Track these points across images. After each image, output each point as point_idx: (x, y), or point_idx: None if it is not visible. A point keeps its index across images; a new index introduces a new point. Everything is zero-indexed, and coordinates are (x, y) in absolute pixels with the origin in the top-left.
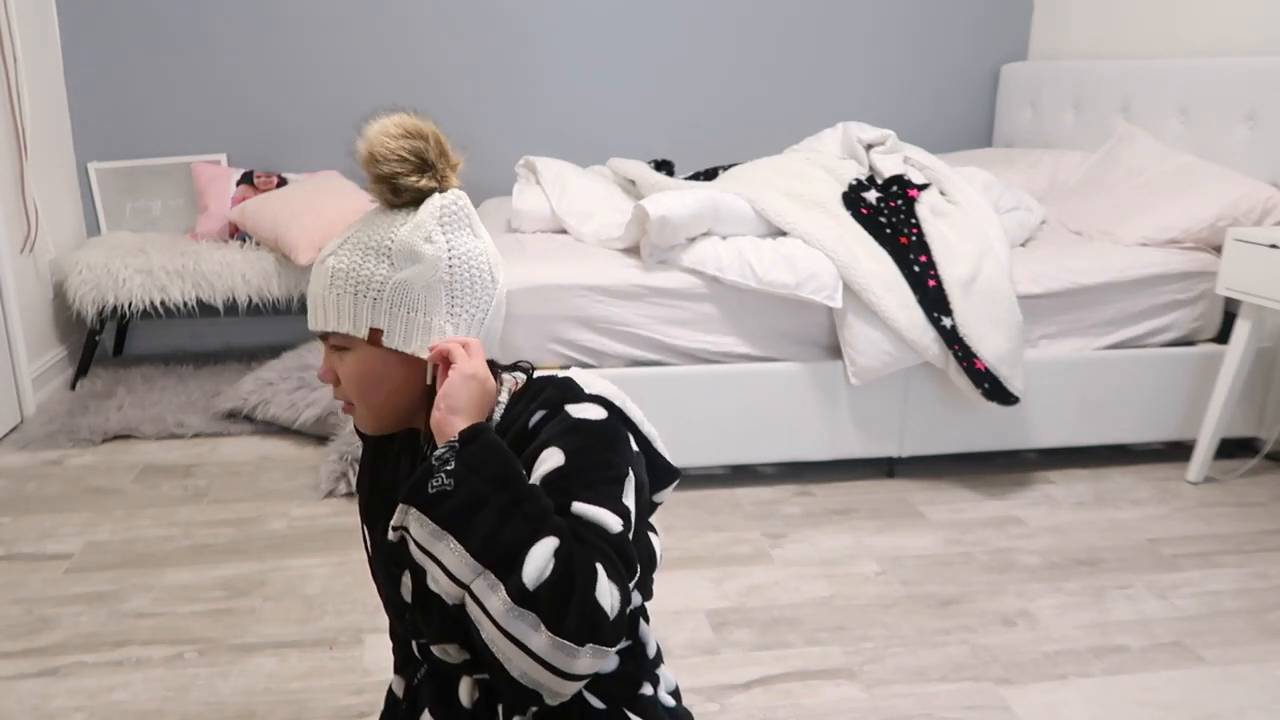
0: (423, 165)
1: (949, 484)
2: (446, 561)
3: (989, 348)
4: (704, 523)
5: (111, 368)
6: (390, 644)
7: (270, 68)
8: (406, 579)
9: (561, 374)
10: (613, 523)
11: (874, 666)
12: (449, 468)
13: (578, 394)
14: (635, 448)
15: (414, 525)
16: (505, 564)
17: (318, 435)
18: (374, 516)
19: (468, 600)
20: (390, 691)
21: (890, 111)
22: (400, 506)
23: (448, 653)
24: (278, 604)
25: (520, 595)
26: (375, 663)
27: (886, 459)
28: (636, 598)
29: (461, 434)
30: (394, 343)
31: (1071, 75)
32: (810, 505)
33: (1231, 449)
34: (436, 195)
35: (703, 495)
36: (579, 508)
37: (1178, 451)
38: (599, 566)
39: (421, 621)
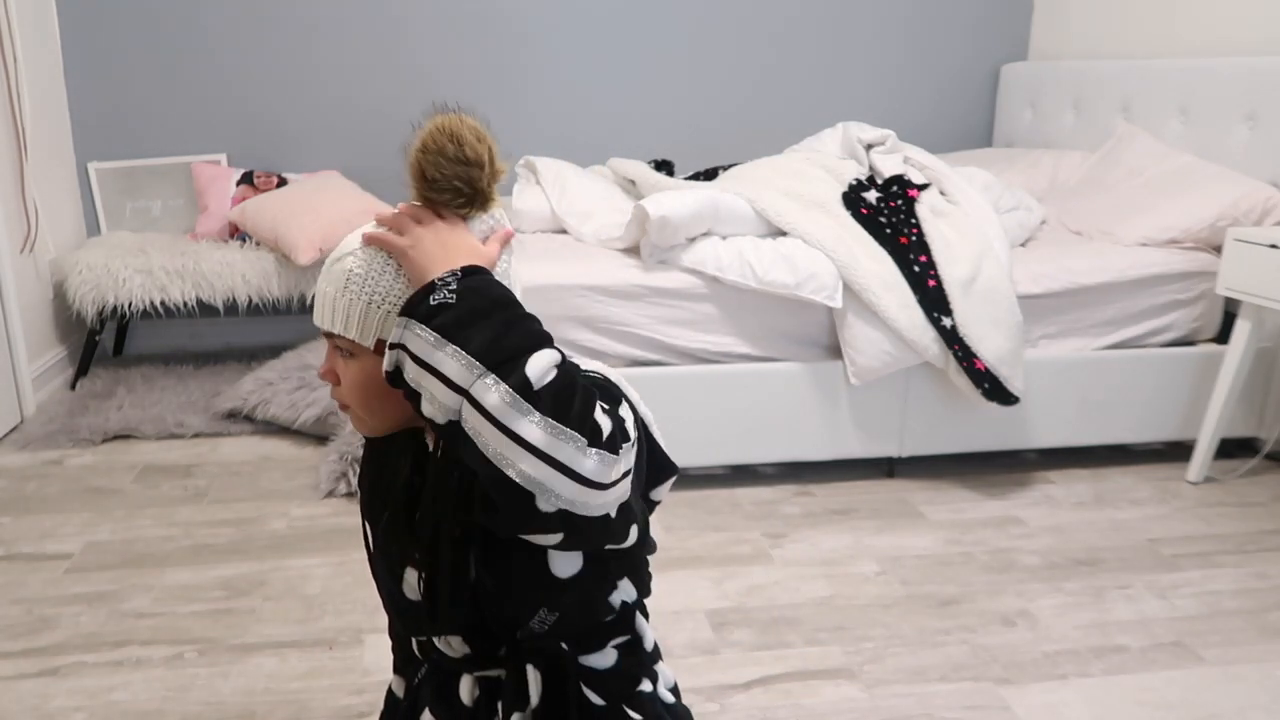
0: (474, 196)
1: (949, 484)
2: (446, 369)
3: (989, 348)
4: (704, 523)
5: (111, 368)
6: (390, 644)
7: (270, 68)
8: (409, 575)
9: None
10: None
11: (874, 666)
12: (450, 287)
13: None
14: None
15: (412, 340)
16: (507, 365)
17: (318, 435)
18: (375, 515)
19: (465, 409)
20: (390, 692)
21: (890, 111)
22: (399, 321)
23: (450, 645)
24: (278, 604)
25: (522, 388)
26: (375, 663)
27: (886, 459)
28: (633, 592)
29: (464, 267)
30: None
31: (1071, 75)
32: (810, 505)
33: (1231, 449)
34: (478, 220)
35: (703, 495)
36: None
37: (1178, 451)
38: (595, 395)
39: (426, 613)
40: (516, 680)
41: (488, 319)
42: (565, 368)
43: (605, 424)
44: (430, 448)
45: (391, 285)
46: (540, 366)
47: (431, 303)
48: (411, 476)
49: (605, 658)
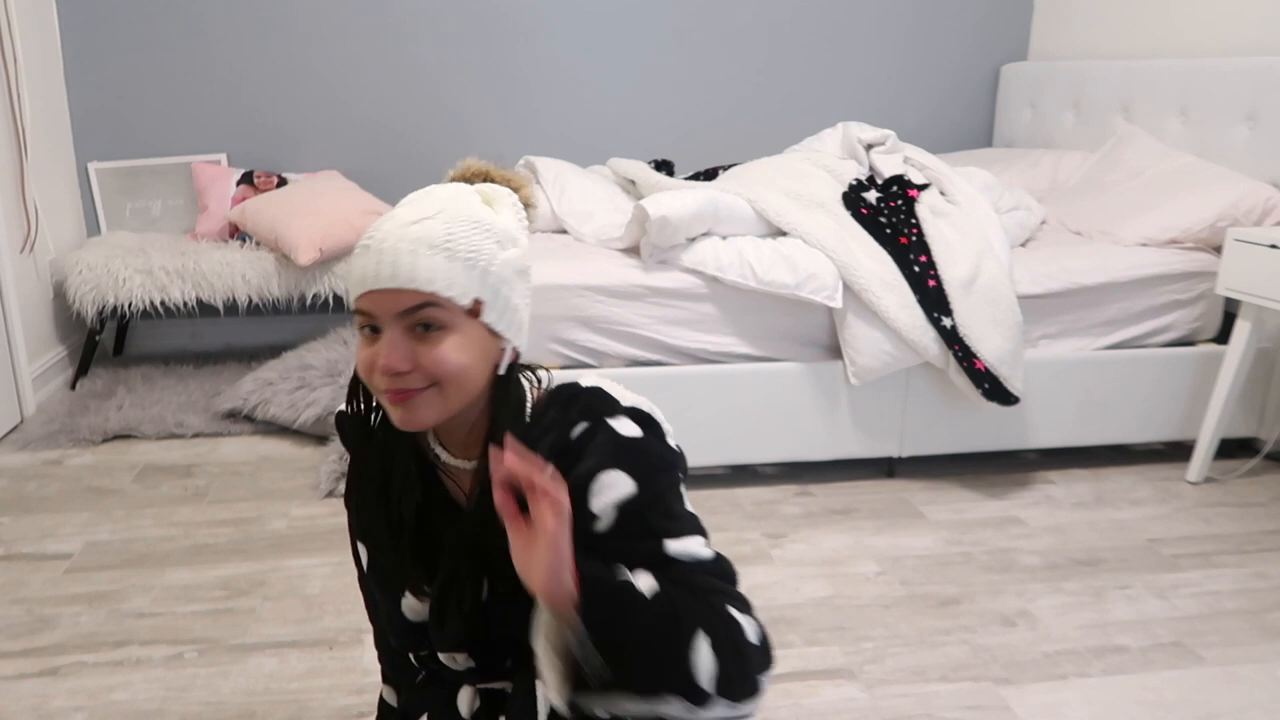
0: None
1: (949, 484)
2: (630, 710)
3: (989, 348)
4: (704, 522)
5: (111, 368)
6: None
7: (270, 68)
8: (408, 598)
9: (585, 383)
10: (703, 549)
11: (874, 666)
12: (595, 660)
13: (614, 406)
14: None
15: (596, 707)
16: (680, 687)
17: (318, 435)
18: (374, 533)
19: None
20: (382, 700)
21: (890, 111)
22: (565, 697)
23: (455, 660)
24: (278, 604)
25: (702, 699)
26: (375, 663)
27: (886, 459)
28: None
29: (581, 615)
30: (491, 318)
31: (1071, 75)
32: (810, 505)
33: (1231, 449)
34: (508, 191)
35: (703, 495)
36: (674, 548)
37: (1178, 451)
38: (730, 611)
39: (435, 635)
40: (525, 695)
41: (635, 659)
42: (715, 638)
43: (754, 631)
44: (433, 454)
45: (483, 243)
46: (706, 668)
47: (595, 681)
48: (425, 507)
49: None
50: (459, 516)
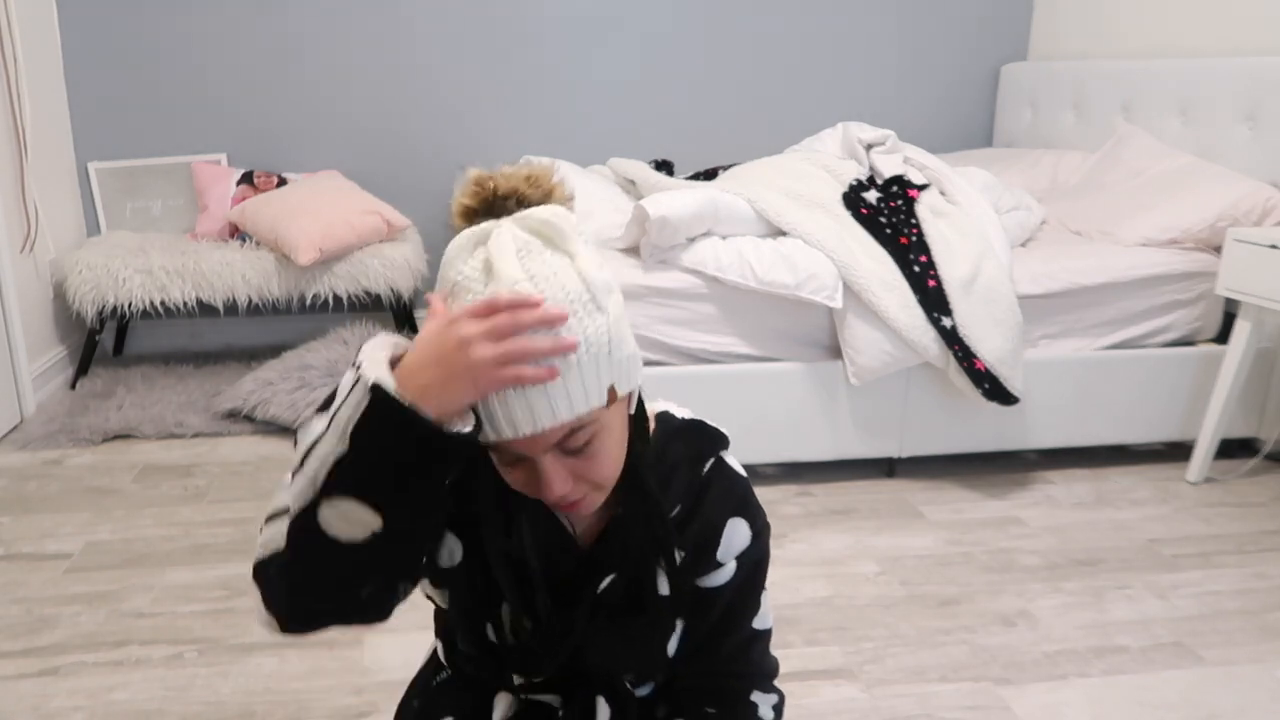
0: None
1: (949, 484)
2: None
3: (989, 348)
4: None
5: (111, 368)
6: (392, 640)
7: (270, 68)
8: (488, 628)
9: (661, 406)
10: (769, 615)
11: (874, 666)
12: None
13: (719, 440)
14: None
15: None
16: None
17: None
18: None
19: None
20: (420, 678)
21: (890, 111)
22: None
23: (530, 681)
24: None
25: None
26: (375, 663)
27: (886, 459)
28: None
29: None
30: (623, 388)
31: (1071, 75)
32: (810, 505)
33: (1231, 449)
34: (562, 213)
35: None
36: (759, 625)
37: (1178, 451)
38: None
39: (525, 661)
40: (583, 710)
41: None
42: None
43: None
44: (571, 522)
45: (595, 322)
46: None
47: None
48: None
49: (649, 688)
50: (570, 547)
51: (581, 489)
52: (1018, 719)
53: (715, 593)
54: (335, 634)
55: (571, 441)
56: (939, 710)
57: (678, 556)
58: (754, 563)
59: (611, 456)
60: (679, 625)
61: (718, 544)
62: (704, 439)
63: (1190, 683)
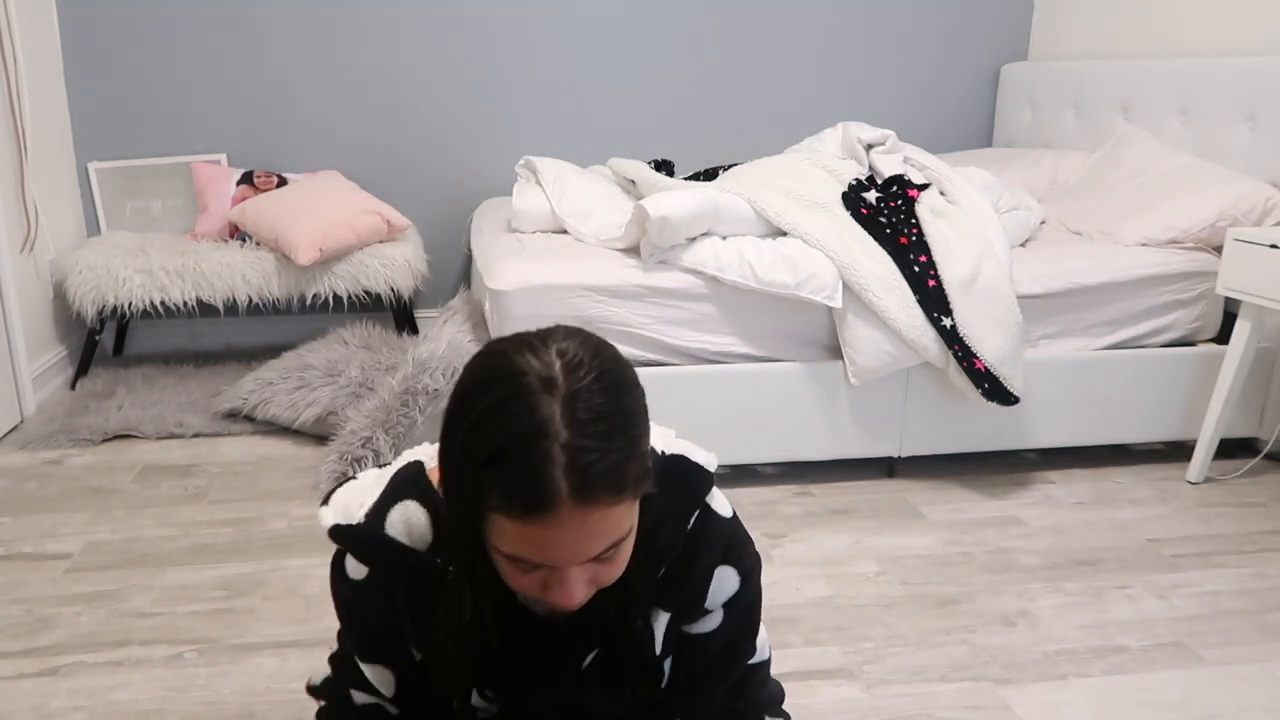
0: None
1: (949, 484)
2: None
3: (989, 348)
4: None
5: (111, 368)
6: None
7: (270, 68)
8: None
9: (665, 444)
10: (765, 646)
11: (874, 666)
12: None
13: (705, 479)
14: None
15: None
16: None
17: (318, 435)
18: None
19: None
20: None
21: (890, 111)
22: None
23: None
24: (278, 604)
25: None
26: None
27: (886, 459)
28: None
29: None
30: (646, 476)
31: (1071, 75)
32: (810, 505)
33: (1231, 449)
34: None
35: None
36: (752, 662)
37: (1178, 451)
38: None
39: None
40: None
41: None
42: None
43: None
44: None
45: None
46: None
47: None
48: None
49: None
50: (534, 621)
51: (592, 589)
52: (1018, 719)
53: (705, 638)
54: (335, 634)
55: (607, 551)
56: (939, 710)
57: (664, 617)
58: (746, 606)
59: (628, 555)
60: (667, 665)
61: (705, 594)
62: (688, 485)
63: (1190, 683)
